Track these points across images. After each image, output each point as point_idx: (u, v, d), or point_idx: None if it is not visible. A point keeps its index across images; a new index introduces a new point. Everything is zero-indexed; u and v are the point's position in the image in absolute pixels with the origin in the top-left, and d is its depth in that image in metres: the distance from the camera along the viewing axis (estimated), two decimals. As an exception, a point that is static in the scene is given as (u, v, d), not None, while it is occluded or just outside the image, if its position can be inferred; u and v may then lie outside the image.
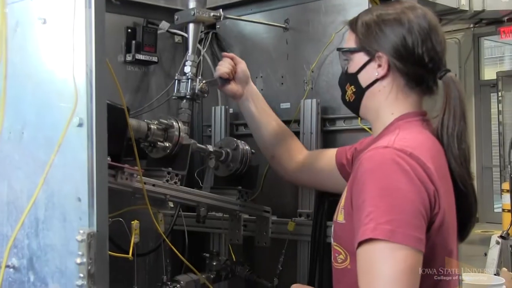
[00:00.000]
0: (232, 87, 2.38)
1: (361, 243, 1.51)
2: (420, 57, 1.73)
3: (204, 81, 2.51)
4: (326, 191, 2.45)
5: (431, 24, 1.76)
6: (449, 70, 1.76)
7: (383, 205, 1.50)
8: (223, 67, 2.36)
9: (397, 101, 1.78)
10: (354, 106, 1.88)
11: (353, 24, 1.86)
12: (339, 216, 1.73)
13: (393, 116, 1.78)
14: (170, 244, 2.52)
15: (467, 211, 1.75)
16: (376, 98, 1.80)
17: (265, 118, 2.41)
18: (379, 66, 1.77)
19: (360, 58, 1.82)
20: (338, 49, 1.93)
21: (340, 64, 1.92)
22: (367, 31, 1.80)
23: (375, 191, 1.53)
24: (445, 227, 1.60)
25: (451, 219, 1.65)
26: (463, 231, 1.77)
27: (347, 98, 1.89)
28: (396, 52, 1.74)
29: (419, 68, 1.74)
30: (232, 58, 2.42)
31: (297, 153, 2.37)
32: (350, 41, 1.86)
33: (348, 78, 1.86)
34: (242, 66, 2.41)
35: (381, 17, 1.78)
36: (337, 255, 1.74)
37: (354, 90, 1.85)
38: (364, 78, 1.81)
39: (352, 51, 1.84)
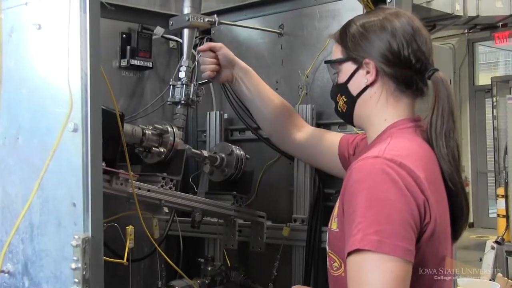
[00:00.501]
0: (222, 77, 2.35)
1: (350, 253, 1.51)
2: (406, 59, 1.73)
3: (196, 86, 2.52)
4: (324, 171, 2.42)
5: (415, 27, 1.77)
6: (437, 70, 1.76)
7: (371, 215, 1.50)
8: (207, 66, 2.32)
9: (388, 106, 1.78)
10: (347, 115, 1.88)
11: (337, 36, 1.87)
12: (333, 224, 1.73)
13: (386, 122, 1.78)
14: (161, 251, 2.53)
15: (458, 210, 1.74)
16: (368, 105, 1.80)
17: (258, 97, 2.33)
18: (368, 72, 1.77)
19: (348, 67, 1.82)
20: (326, 62, 1.93)
21: (330, 78, 1.92)
22: (352, 41, 1.81)
23: (364, 202, 1.52)
24: (436, 236, 1.59)
25: (443, 226, 1.64)
26: (455, 231, 1.75)
27: (339, 109, 1.89)
28: (382, 56, 1.75)
29: (407, 70, 1.75)
30: (210, 49, 2.32)
31: (295, 131, 2.30)
32: (336, 53, 1.87)
33: (339, 89, 1.86)
34: (223, 51, 2.31)
35: (364, 25, 1.79)
36: (332, 262, 1.74)
37: (345, 100, 1.85)
38: (354, 87, 1.81)
39: (340, 62, 1.84)
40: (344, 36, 1.84)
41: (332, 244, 1.75)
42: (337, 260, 1.71)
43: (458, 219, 1.75)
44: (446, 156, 1.69)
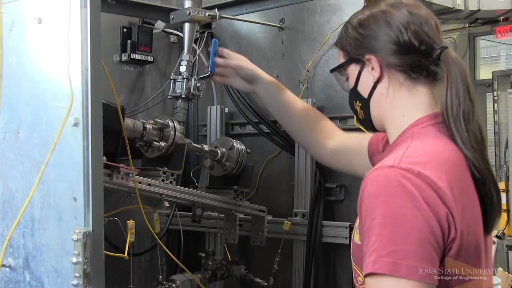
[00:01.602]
0: (236, 84, 2.31)
1: (366, 275, 1.39)
2: (408, 43, 1.63)
3: (197, 80, 2.53)
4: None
5: (411, 9, 1.66)
6: (445, 47, 1.64)
7: (386, 234, 1.37)
8: (219, 70, 2.28)
9: (402, 99, 1.66)
10: (367, 121, 1.76)
11: (337, 41, 1.79)
12: (356, 235, 1.63)
13: (405, 119, 1.65)
14: (163, 245, 2.52)
15: (488, 200, 1.55)
16: (382, 104, 1.69)
17: (284, 110, 2.24)
18: (372, 69, 1.67)
19: (353, 70, 1.73)
20: (332, 71, 1.83)
21: (342, 87, 1.83)
22: (349, 41, 1.73)
23: (378, 219, 1.39)
24: (464, 250, 1.45)
25: (472, 237, 1.48)
26: (487, 224, 1.56)
27: (359, 116, 1.78)
28: (382, 48, 1.65)
29: (412, 56, 1.63)
30: (226, 56, 2.28)
31: (326, 140, 2.18)
32: (340, 59, 1.78)
33: (352, 95, 1.77)
34: (241, 64, 2.26)
35: (359, 23, 1.71)
36: (356, 276, 1.65)
37: (360, 105, 1.75)
38: (364, 88, 1.71)
39: (343, 66, 1.76)
40: (342, 39, 1.76)
41: (355, 256, 1.65)
42: (360, 274, 1.59)
43: (489, 210, 1.57)
44: (468, 141, 1.55)
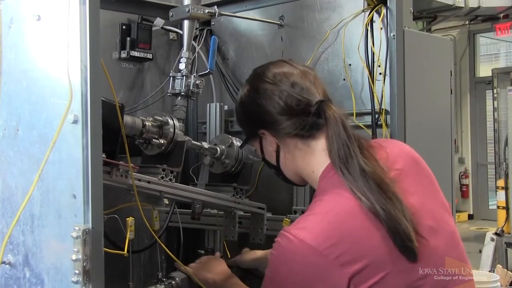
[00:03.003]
0: None
1: None
2: (287, 109, 1.73)
3: (197, 78, 2.53)
4: None
5: (277, 76, 1.77)
6: (322, 101, 1.74)
7: None
8: None
9: (305, 159, 1.77)
10: (288, 182, 1.92)
11: (236, 120, 1.99)
12: None
13: (315, 174, 1.76)
14: (161, 243, 2.52)
15: (390, 227, 1.56)
16: (291, 166, 1.82)
17: None
18: (269, 140, 1.81)
19: (256, 143, 1.88)
20: (240, 147, 2.11)
21: (256, 157, 1.97)
22: (241, 120, 1.90)
23: (267, 283, 1.62)
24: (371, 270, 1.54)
25: (380, 257, 1.55)
26: (405, 252, 1.57)
27: (281, 178, 1.94)
28: (268, 121, 1.76)
29: (295, 119, 1.74)
30: None
31: None
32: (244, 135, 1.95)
33: (266, 164, 1.94)
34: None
35: (241, 103, 1.87)
36: None
37: (274, 171, 1.91)
38: (270, 157, 1.86)
39: (247, 142, 1.92)
40: (237, 118, 1.94)
41: None
42: None
43: (395, 236, 1.56)
44: (361, 188, 1.59)
